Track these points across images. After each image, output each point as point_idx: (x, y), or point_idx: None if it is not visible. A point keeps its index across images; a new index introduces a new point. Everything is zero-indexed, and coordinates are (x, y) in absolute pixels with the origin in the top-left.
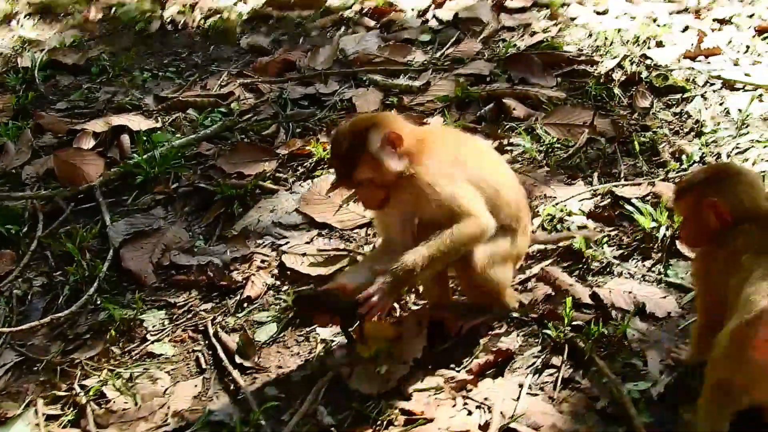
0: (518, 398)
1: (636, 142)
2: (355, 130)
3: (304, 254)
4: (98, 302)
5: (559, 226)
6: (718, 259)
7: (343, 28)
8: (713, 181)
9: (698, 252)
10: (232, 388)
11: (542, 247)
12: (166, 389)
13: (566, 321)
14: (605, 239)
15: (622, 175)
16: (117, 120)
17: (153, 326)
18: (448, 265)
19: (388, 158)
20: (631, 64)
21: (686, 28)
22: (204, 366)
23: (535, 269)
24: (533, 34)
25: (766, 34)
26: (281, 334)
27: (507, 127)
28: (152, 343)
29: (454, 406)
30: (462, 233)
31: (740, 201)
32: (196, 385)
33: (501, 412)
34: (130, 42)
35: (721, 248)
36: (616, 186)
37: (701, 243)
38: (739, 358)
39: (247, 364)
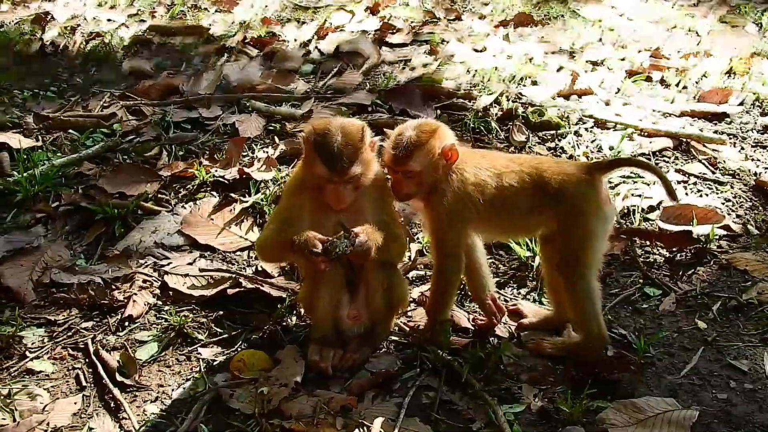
0: (397, 419)
1: None
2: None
3: (186, 275)
4: None
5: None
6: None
7: (226, 56)
8: (433, 130)
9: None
10: (112, 405)
11: (422, 272)
12: (46, 406)
13: (445, 345)
14: None
15: None
16: None
17: (32, 343)
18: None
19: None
20: (508, 100)
21: (560, 69)
22: (84, 383)
23: (415, 293)
24: (413, 68)
25: (635, 77)
26: (162, 353)
27: None
28: (31, 360)
29: (333, 425)
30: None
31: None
32: (75, 402)
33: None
34: (9, 63)
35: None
36: None
37: (415, 195)
38: None
39: (127, 382)
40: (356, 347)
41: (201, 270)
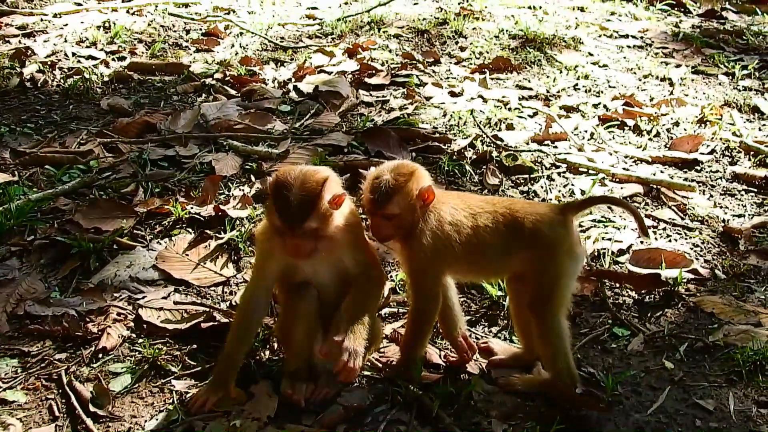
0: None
1: None
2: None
3: (160, 308)
4: None
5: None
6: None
7: (204, 95)
8: (410, 173)
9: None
10: None
11: (394, 309)
12: None
13: (416, 380)
14: None
15: None
16: None
17: (5, 374)
18: None
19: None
20: (482, 144)
21: (535, 114)
22: (57, 414)
23: (388, 330)
24: (390, 110)
25: (608, 123)
26: (136, 385)
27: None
28: (4, 390)
29: None
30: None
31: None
32: None
33: None
34: None
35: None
36: None
37: (393, 237)
38: None
39: (100, 413)
40: (328, 381)
41: (175, 303)
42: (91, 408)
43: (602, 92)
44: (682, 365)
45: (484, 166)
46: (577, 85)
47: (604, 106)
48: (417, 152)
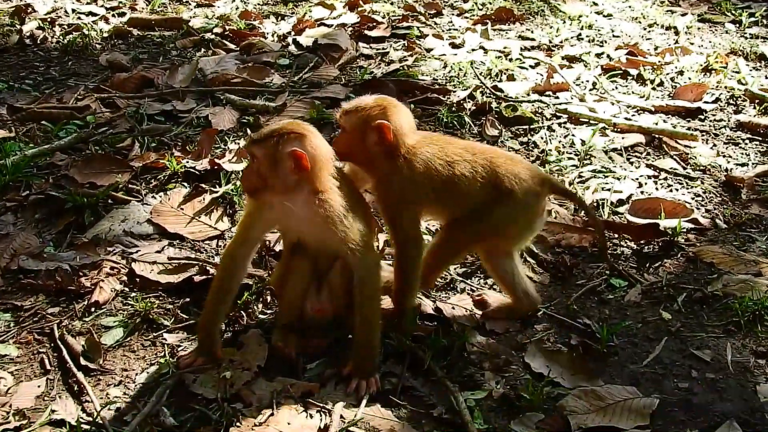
0: (358, 404)
1: None
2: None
3: (154, 262)
4: None
5: None
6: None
7: (203, 50)
8: (382, 107)
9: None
10: (75, 389)
11: (389, 262)
12: (9, 389)
13: (408, 332)
14: None
15: None
16: None
17: None
18: None
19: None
20: (482, 95)
21: (537, 64)
22: (48, 367)
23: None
24: (390, 63)
25: (611, 73)
26: (128, 339)
27: None
28: None
29: (295, 409)
30: None
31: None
32: (39, 386)
33: (341, 416)
34: None
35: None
36: None
37: (350, 158)
38: None
39: (92, 366)
40: (319, 333)
41: (169, 258)
42: (82, 361)
43: (606, 42)
44: (679, 316)
45: (484, 117)
46: (580, 35)
47: (608, 55)
48: (416, 104)
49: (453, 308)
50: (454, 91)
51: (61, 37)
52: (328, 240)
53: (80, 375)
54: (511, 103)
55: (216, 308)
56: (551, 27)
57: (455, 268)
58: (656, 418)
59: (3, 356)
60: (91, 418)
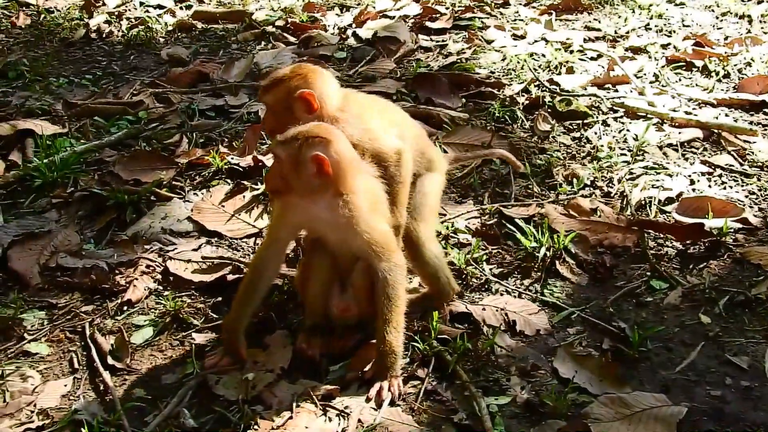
0: (379, 408)
1: (528, 165)
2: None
3: (189, 261)
4: None
5: (443, 243)
6: None
7: (263, 43)
8: (303, 76)
9: None
10: (101, 388)
11: None
12: (36, 387)
13: (433, 334)
14: (485, 257)
15: (513, 195)
16: (23, 124)
17: (32, 326)
18: None
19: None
20: (537, 88)
21: (599, 56)
22: (77, 366)
23: (415, 283)
24: (448, 55)
25: (675, 64)
26: (157, 338)
27: None
28: (29, 342)
29: (314, 413)
30: None
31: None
32: (66, 385)
33: (360, 420)
34: (53, 49)
35: None
36: (504, 206)
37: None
38: None
39: (118, 365)
40: (344, 335)
41: (203, 257)
42: (110, 361)
43: (674, 32)
44: (719, 320)
45: (537, 112)
46: (648, 24)
47: (674, 46)
48: (469, 98)
49: (483, 309)
50: (509, 85)
51: (126, 30)
52: (351, 241)
53: (106, 375)
54: (566, 96)
55: (242, 309)
56: (619, 16)
57: (492, 268)
58: (684, 426)
59: (34, 354)
60: (112, 418)
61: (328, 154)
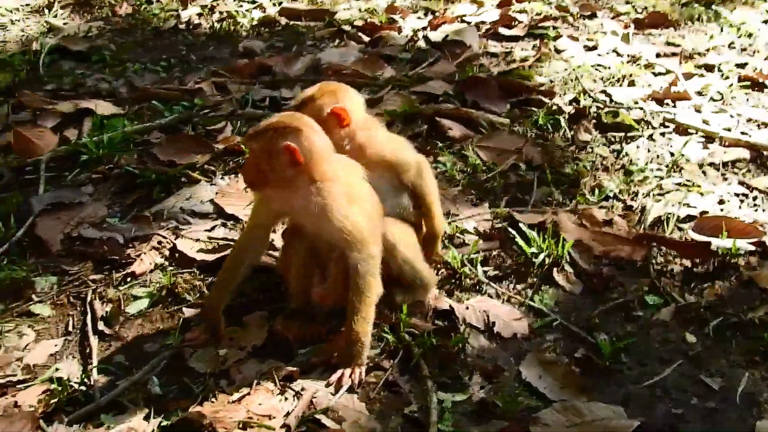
0: (336, 393)
1: (548, 173)
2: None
3: (197, 240)
4: (4, 262)
5: (446, 242)
6: None
7: (337, 41)
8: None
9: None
10: (87, 351)
11: None
12: (27, 345)
13: (402, 327)
14: (484, 259)
15: (531, 202)
16: (85, 103)
17: (41, 289)
18: None
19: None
20: (586, 98)
21: (667, 72)
22: (71, 329)
23: None
24: (511, 62)
25: (745, 83)
26: (150, 310)
27: (439, 145)
28: (34, 303)
29: (272, 391)
30: None
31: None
32: (56, 345)
33: (312, 402)
34: (142, 37)
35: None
36: (517, 211)
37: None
38: None
39: (107, 331)
40: (325, 321)
41: (210, 237)
42: (101, 327)
43: (758, 51)
44: (706, 340)
45: (580, 122)
46: (732, 43)
47: (752, 66)
48: (517, 104)
49: (467, 309)
50: (561, 94)
51: (213, 23)
52: (324, 229)
53: (93, 339)
54: (613, 109)
55: (222, 289)
56: (705, 33)
57: (486, 271)
58: None
59: (35, 315)
60: (82, 377)
61: (298, 143)
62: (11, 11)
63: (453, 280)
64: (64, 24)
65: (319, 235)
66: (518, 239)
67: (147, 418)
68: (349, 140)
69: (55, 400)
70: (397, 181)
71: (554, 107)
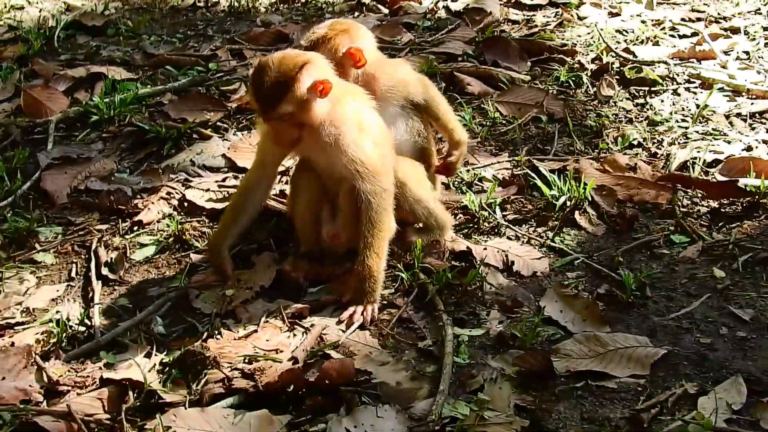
0: (347, 330)
1: (570, 125)
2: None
3: (207, 189)
4: (9, 214)
5: (464, 188)
6: None
7: (356, 13)
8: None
9: None
10: (90, 296)
11: None
12: (28, 290)
13: (416, 264)
14: (503, 203)
15: (553, 151)
16: (96, 68)
17: (45, 239)
18: None
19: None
20: (608, 54)
21: (694, 34)
22: (74, 275)
23: None
24: (532, 27)
25: None
26: (156, 256)
27: (458, 99)
28: (38, 252)
29: (279, 328)
30: None
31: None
32: (58, 290)
33: (322, 338)
34: (160, 15)
35: None
36: (537, 159)
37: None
38: None
39: (111, 276)
40: (334, 262)
41: (219, 186)
42: (104, 272)
43: None
44: (734, 275)
45: (602, 78)
46: (759, 9)
47: None
48: (537, 63)
49: (485, 249)
50: (583, 53)
51: (233, 0)
52: (336, 161)
53: (96, 283)
54: (636, 64)
55: (226, 228)
56: (730, 1)
57: (505, 215)
58: (658, 369)
59: (38, 263)
60: (82, 317)
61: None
62: None
63: (471, 224)
64: (81, 5)
65: (330, 169)
66: (538, 182)
67: (149, 355)
68: (361, 75)
69: (54, 339)
70: (407, 102)
71: (576, 65)
